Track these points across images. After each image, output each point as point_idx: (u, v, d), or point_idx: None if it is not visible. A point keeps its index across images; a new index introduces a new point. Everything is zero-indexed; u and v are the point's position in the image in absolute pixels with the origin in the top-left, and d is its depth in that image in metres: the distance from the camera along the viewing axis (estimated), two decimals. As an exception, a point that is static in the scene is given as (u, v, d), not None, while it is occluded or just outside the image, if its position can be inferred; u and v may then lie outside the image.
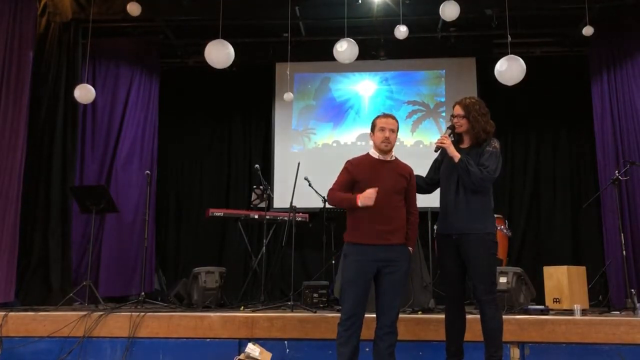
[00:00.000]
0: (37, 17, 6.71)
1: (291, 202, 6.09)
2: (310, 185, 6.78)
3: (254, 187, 7.11)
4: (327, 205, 6.64)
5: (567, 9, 6.97)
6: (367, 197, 3.61)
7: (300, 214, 6.99)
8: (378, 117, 3.89)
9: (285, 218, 6.87)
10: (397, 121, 3.88)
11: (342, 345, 3.64)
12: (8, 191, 5.92)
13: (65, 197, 6.62)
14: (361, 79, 8.62)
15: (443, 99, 8.47)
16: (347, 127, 8.52)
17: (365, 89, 8.62)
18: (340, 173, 3.89)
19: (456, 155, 3.79)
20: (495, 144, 3.87)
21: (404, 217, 3.79)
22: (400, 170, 3.83)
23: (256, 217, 7.09)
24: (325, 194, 6.76)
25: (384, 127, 3.79)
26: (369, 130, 3.94)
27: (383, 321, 3.68)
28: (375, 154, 3.85)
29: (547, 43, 8.23)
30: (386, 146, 3.79)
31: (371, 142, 3.92)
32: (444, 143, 3.86)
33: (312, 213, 7.32)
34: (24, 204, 6.14)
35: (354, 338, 3.65)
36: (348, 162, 3.91)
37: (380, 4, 7.34)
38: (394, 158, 3.88)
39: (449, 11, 6.00)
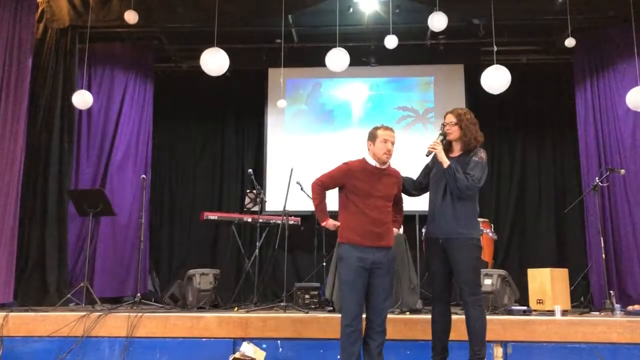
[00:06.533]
0: (35, 24, 6.84)
1: (284, 206, 6.26)
2: (302, 189, 6.93)
3: (247, 191, 7.27)
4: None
5: (552, 19, 7.18)
6: (333, 225, 4.01)
7: (293, 217, 7.15)
8: (380, 128, 4.01)
9: (278, 221, 7.04)
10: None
11: (351, 345, 3.79)
12: (7, 194, 6.06)
13: (62, 200, 6.72)
14: (352, 84, 8.78)
15: (432, 105, 8.67)
16: (338, 132, 8.69)
17: (356, 94, 8.78)
18: (336, 170, 4.03)
19: (445, 162, 3.93)
20: (482, 154, 4.01)
21: (391, 220, 4.00)
22: (394, 177, 4.04)
23: (249, 220, 7.26)
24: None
25: (387, 140, 3.95)
26: (359, 136, 4.09)
27: (374, 321, 3.86)
28: (372, 162, 3.99)
29: (532, 51, 8.46)
30: (387, 158, 3.97)
31: (366, 149, 4.05)
32: (435, 149, 4.00)
33: (304, 216, 7.48)
34: (22, 207, 6.27)
35: (360, 337, 3.84)
36: (345, 164, 4.03)
37: (371, 13, 7.54)
38: (387, 165, 4.05)
39: (437, 21, 6.17)
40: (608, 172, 6.41)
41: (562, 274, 6.21)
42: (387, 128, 4.01)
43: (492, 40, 6.49)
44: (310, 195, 4.11)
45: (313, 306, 6.02)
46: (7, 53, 6.27)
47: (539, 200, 8.38)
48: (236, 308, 5.78)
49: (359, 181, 3.92)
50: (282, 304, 5.74)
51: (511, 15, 7.00)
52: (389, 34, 6.70)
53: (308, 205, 7.15)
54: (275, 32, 7.55)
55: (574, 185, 8.12)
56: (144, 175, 6.82)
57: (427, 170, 4.24)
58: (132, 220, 7.47)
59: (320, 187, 4.04)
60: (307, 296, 6.06)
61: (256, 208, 7.00)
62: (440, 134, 4.11)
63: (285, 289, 5.91)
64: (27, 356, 4.91)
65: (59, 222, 6.70)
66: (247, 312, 5.40)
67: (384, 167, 3.99)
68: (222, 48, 6.08)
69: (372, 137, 4.01)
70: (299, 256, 8.20)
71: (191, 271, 6.14)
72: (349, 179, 3.94)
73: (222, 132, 9.05)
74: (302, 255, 8.10)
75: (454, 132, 4.05)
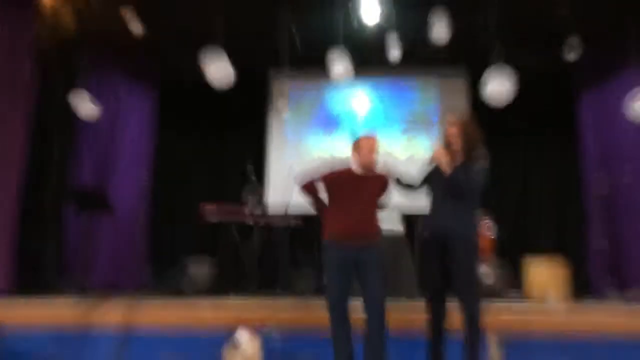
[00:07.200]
0: (39, 31, 6.90)
1: (285, 206, 6.26)
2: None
3: (249, 191, 7.29)
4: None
5: (556, 24, 7.22)
6: None
7: (294, 218, 7.15)
8: (362, 138, 4.07)
9: (279, 222, 7.03)
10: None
11: (336, 329, 3.91)
12: (8, 194, 6.12)
13: (62, 198, 6.77)
14: (355, 92, 8.84)
15: (436, 114, 8.71)
16: (341, 138, 8.72)
17: (359, 102, 8.85)
18: (320, 175, 4.11)
19: (447, 170, 3.96)
20: (484, 160, 4.03)
21: (376, 219, 4.06)
22: (379, 181, 4.09)
23: (250, 222, 7.27)
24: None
25: (371, 149, 4.02)
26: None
27: (369, 320, 3.87)
28: (358, 170, 4.06)
29: (536, 56, 8.47)
30: (373, 166, 4.04)
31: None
32: (438, 157, 4.03)
33: (305, 217, 7.45)
34: (22, 205, 6.28)
35: (346, 322, 3.91)
36: (330, 170, 4.11)
37: (375, 19, 7.62)
38: (373, 172, 4.10)
39: (439, 33, 6.26)
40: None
41: (561, 263, 6.19)
42: (369, 137, 4.08)
43: (496, 45, 6.53)
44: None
45: (310, 294, 6.00)
46: (8, 57, 6.33)
47: (539, 199, 8.40)
48: (233, 295, 5.75)
49: (342, 186, 4.00)
50: (278, 290, 5.71)
51: (515, 20, 7.08)
52: (393, 40, 6.77)
53: (309, 207, 7.18)
54: (279, 39, 7.63)
55: (574, 184, 8.11)
56: (144, 175, 6.86)
57: (428, 169, 4.26)
58: (132, 219, 7.45)
59: (306, 190, 4.16)
60: (304, 284, 6.05)
61: (257, 210, 7.01)
62: (443, 142, 4.13)
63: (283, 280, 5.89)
64: (25, 346, 4.92)
65: (59, 219, 6.74)
66: (243, 299, 5.40)
67: (369, 174, 4.06)
68: (225, 54, 6.16)
69: (356, 148, 4.08)
70: (298, 256, 8.16)
71: (187, 260, 6.13)
72: (332, 183, 4.03)
73: (225, 138, 9.13)
74: (303, 255, 8.06)
75: (456, 141, 4.07)
